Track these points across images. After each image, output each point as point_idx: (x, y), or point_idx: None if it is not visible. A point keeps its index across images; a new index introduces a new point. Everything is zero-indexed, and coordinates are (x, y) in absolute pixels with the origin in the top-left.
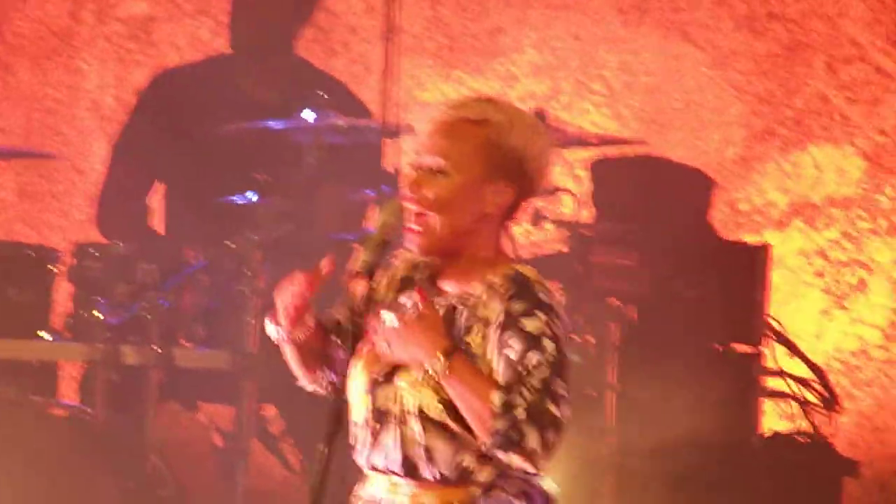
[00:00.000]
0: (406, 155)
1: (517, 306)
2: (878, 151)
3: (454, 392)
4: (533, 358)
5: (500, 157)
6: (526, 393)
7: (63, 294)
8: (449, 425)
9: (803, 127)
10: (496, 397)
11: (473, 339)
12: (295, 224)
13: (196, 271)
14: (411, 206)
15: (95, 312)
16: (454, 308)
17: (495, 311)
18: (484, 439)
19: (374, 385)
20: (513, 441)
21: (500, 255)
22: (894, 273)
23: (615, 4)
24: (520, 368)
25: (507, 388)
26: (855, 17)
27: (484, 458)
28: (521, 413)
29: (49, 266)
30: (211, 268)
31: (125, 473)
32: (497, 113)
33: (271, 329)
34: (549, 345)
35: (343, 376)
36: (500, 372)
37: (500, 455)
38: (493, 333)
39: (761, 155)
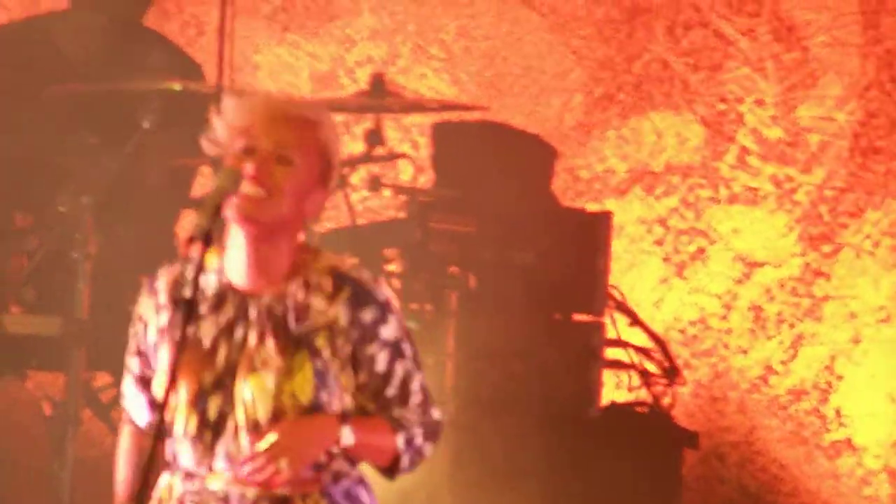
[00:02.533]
0: (231, 128)
1: (367, 316)
2: (719, 118)
3: (362, 447)
4: (400, 369)
5: (324, 163)
6: (416, 418)
7: None
8: None
9: (643, 93)
10: (399, 441)
11: (321, 344)
12: (127, 188)
13: (26, 235)
14: (256, 189)
15: None
16: (271, 308)
17: (331, 315)
18: (388, 473)
19: (200, 395)
20: (416, 463)
21: (303, 250)
22: (733, 242)
23: None
24: (397, 389)
25: (400, 425)
26: None
27: (333, 453)
28: (419, 440)
29: None
30: (41, 232)
31: None
32: (326, 117)
33: None
34: (406, 348)
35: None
36: (376, 392)
37: (404, 468)
38: (344, 344)
39: (601, 121)
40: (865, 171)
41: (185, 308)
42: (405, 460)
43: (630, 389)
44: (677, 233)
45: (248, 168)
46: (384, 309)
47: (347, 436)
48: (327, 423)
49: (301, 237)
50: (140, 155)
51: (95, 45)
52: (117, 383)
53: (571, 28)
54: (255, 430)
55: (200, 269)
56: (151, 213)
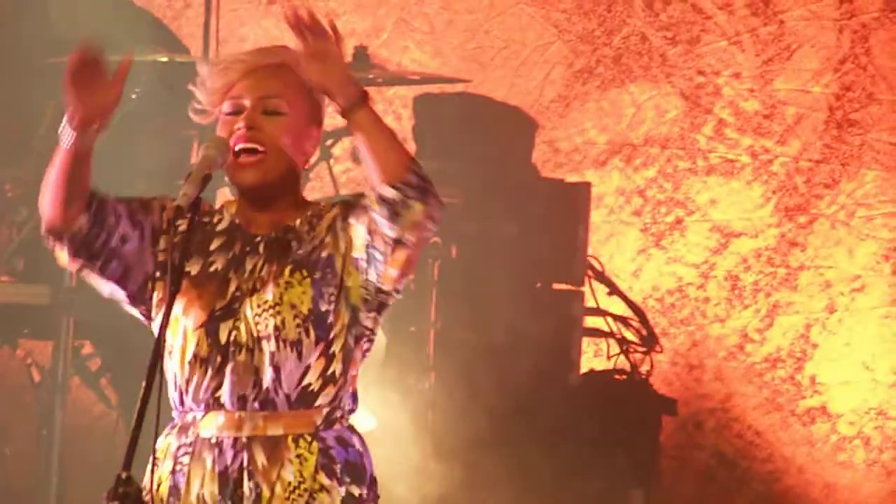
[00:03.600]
0: (213, 92)
1: (350, 202)
2: (696, 91)
3: (371, 124)
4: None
5: (313, 99)
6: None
7: None
8: (303, 343)
9: (622, 66)
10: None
11: (322, 255)
12: (117, 160)
13: (15, 205)
14: (249, 145)
15: None
16: (277, 239)
17: (328, 222)
18: (397, 177)
19: (212, 320)
20: (424, 190)
21: (304, 199)
22: (711, 212)
23: None
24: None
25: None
26: None
27: (327, 378)
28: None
29: None
30: (30, 202)
31: None
32: (299, 60)
33: (66, 132)
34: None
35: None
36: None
37: (406, 199)
38: (342, 230)
39: (581, 94)
40: (840, 143)
41: (182, 251)
42: (415, 168)
43: (609, 357)
44: (655, 203)
45: (239, 128)
46: (361, 196)
47: (370, 100)
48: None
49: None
50: (128, 125)
51: (86, 21)
52: (101, 354)
53: (552, 2)
54: (258, 345)
55: (188, 240)
56: (141, 182)
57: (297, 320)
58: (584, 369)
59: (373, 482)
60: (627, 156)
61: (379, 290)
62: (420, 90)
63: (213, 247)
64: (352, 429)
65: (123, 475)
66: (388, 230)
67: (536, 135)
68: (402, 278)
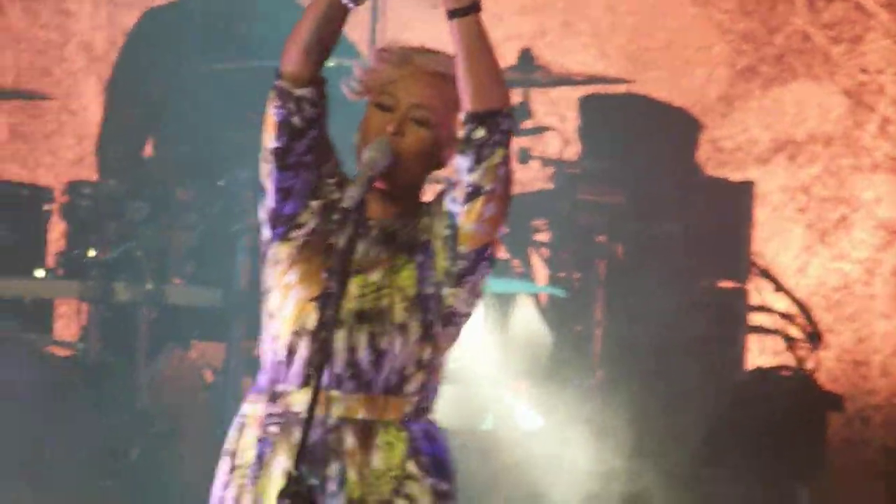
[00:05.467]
0: (375, 81)
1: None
2: (859, 89)
3: (478, 35)
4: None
5: (455, 119)
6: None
7: (56, 233)
8: (408, 327)
9: (785, 65)
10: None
11: (423, 238)
12: None
13: (187, 210)
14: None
15: (88, 250)
16: (387, 227)
17: (432, 216)
18: (494, 103)
19: (326, 295)
20: (509, 137)
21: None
22: (876, 209)
23: None
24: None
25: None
26: None
27: (420, 364)
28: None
29: (42, 205)
30: (201, 206)
31: (118, 410)
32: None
33: None
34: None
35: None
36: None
37: (492, 139)
38: (445, 228)
39: (744, 93)
40: None
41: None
42: (505, 115)
43: (775, 354)
44: (820, 200)
45: (389, 129)
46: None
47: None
48: None
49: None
50: None
51: (263, 22)
52: None
53: (714, 2)
54: (359, 323)
55: (353, 241)
56: None
57: (405, 303)
58: (749, 366)
59: (455, 479)
60: (791, 154)
61: (459, 256)
62: (584, 91)
63: (335, 217)
64: (437, 424)
65: (294, 473)
66: (467, 175)
67: (700, 134)
68: (481, 242)
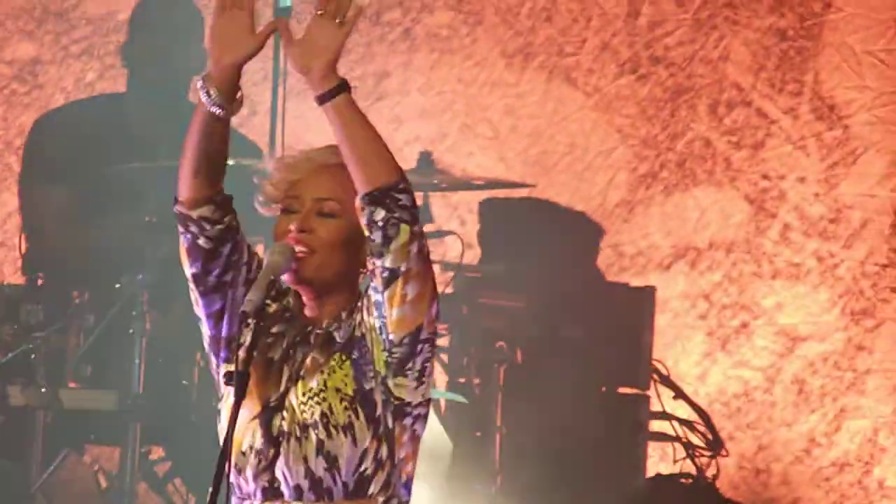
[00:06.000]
0: (276, 187)
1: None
2: (761, 195)
3: (354, 114)
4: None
5: None
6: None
7: None
8: (354, 426)
9: (686, 170)
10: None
11: (355, 336)
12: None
13: (83, 312)
14: (299, 248)
15: None
16: (327, 331)
17: (360, 310)
18: (385, 180)
19: (265, 411)
20: (413, 213)
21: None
22: (777, 316)
23: (500, 49)
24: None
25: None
26: (737, 62)
27: (377, 462)
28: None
29: None
30: (98, 308)
31: None
32: None
33: (202, 93)
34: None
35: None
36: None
37: (392, 217)
38: (369, 319)
39: (645, 198)
40: None
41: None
42: (402, 189)
43: (675, 461)
44: (721, 307)
45: (290, 230)
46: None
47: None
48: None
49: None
50: None
51: (156, 125)
52: (171, 457)
53: (615, 107)
54: (305, 433)
55: (253, 345)
56: None
57: (345, 403)
58: (650, 473)
59: None
60: (692, 260)
61: (393, 344)
62: (485, 195)
63: (274, 330)
64: None
65: None
66: (379, 260)
67: (601, 239)
68: (412, 324)
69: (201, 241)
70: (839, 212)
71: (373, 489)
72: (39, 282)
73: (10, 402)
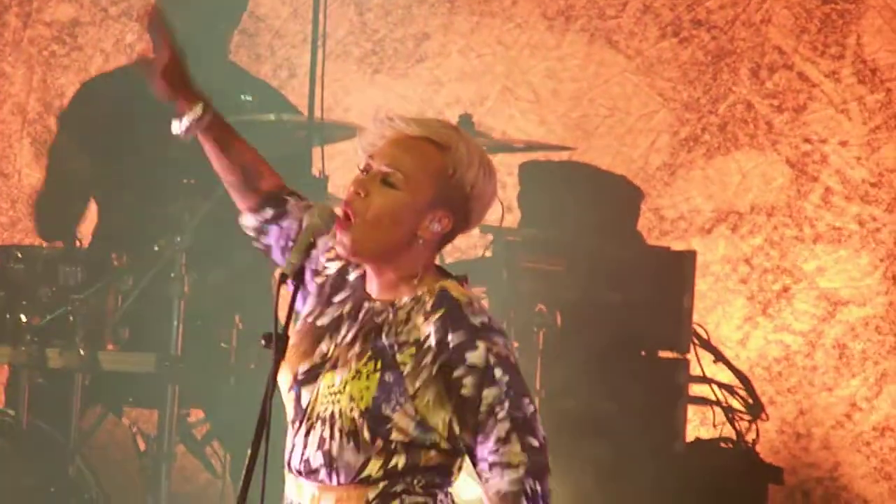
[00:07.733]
0: (356, 151)
1: (455, 339)
2: (803, 159)
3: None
4: (490, 395)
5: (451, 188)
6: (515, 458)
7: None
8: (361, 435)
9: (728, 134)
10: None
11: (404, 360)
12: (220, 228)
13: (121, 275)
14: (345, 210)
15: (20, 315)
16: (377, 313)
17: (422, 331)
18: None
19: (296, 383)
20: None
21: (427, 271)
22: (818, 280)
23: (541, 11)
24: (484, 416)
25: (503, 465)
26: (779, 25)
27: (389, 471)
28: (525, 477)
29: None
30: (136, 271)
31: (49, 477)
32: (461, 144)
33: (174, 125)
34: (499, 373)
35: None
36: (468, 423)
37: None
38: (431, 363)
39: (686, 162)
40: None
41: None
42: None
43: (715, 425)
44: (762, 271)
45: (350, 188)
46: (473, 334)
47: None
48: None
49: (427, 257)
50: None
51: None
52: (210, 419)
53: (657, 70)
54: (317, 422)
55: (292, 309)
56: (243, 251)
57: (354, 413)
58: (689, 438)
59: None
60: (734, 224)
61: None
62: (525, 158)
63: (336, 298)
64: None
65: None
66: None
67: (642, 203)
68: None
69: (258, 245)
70: (881, 175)
71: (375, 475)
72: (77, 244)
73: (49, 364)
